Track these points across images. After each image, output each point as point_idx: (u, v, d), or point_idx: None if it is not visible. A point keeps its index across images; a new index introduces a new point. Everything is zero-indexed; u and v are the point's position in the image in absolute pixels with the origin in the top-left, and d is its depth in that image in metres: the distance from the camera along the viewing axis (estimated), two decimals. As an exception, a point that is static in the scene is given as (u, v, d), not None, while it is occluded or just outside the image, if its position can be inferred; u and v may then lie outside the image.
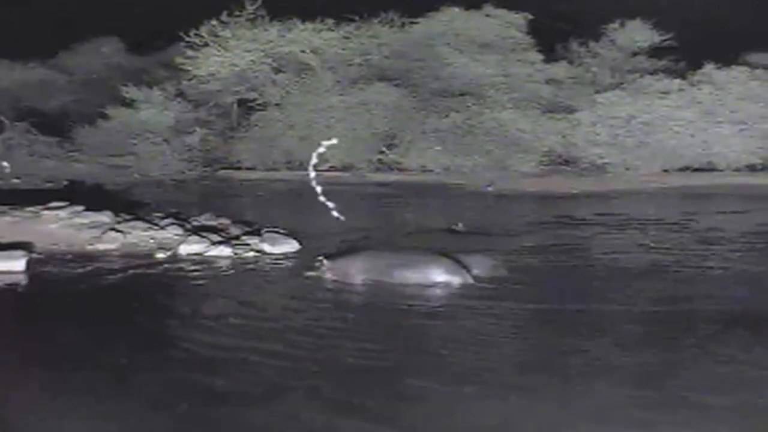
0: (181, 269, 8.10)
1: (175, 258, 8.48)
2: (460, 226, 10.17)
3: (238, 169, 15.51)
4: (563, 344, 5.89)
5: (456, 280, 7.39)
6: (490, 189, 13.96)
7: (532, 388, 5.01)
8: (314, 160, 10.83)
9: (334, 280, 7.50)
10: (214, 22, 15.61)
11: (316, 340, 5.87)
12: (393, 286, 7.33)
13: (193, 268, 8.16)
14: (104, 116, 15.71)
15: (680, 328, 6.24)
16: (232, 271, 8.07)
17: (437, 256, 7.67)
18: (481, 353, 5.64)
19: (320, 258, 7.75)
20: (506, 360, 5.58)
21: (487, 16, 16.66)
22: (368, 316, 6.69)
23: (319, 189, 10.34)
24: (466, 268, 7.50)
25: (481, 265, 7.73)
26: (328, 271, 7.62)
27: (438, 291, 7.32)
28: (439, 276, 7.41)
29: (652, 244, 9.68)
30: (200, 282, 7.67)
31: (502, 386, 5.05)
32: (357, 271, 7.55)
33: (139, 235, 8.98)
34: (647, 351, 5.70)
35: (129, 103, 15.78)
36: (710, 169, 15.22)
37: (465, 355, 5.62)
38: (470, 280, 7.38)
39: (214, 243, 8.82)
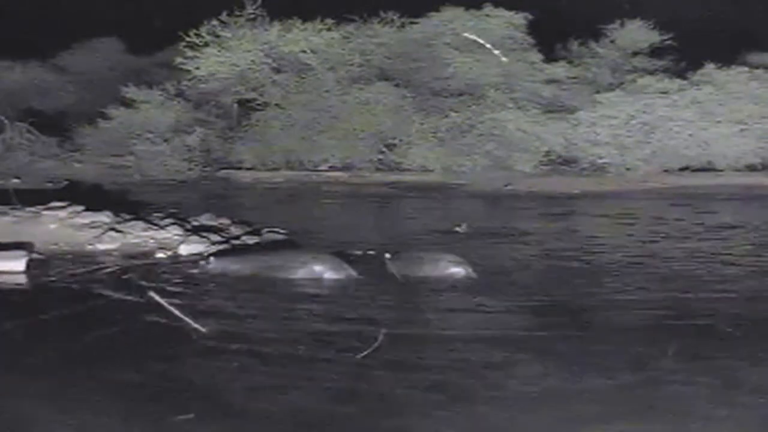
0: (181, 269, 8.10)
1: (175, 258, 8.48)
2: (462, 228, 10.12)
3: (238, 169, 15.50)
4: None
5: (339, 277, 7.60)
6: (508, 188, 14.04)
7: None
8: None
9: (221, 278, 7.61)
10: (214, 22, 15.59)
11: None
12: (276, 283, 7.43)
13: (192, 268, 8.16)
14: (104, 116, 15.70)
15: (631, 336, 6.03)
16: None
17: (324, 254, 7.93)
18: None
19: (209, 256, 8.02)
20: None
21: (487, 16, 16.63)
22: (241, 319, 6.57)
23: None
24: (351, 266, 7.72)
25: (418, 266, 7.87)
26: (216, 266, 7.79)
27: (319, 289, 7.39)
28: (323, 274, 7.62)
29: (638, 244, 9.69)
30: (201, 283, 7.68)
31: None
32: (243, 269, 7.74)
33: (139, 235, 8.98)
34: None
35: (129, 103, 15.77)
36: (710, 169, 15.21)
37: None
38: (354, 276, 7.58)
39: (214, 243, 8.82)
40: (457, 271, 7.74)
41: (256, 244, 8.96)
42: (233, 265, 7.86)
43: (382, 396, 4.88)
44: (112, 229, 9.00)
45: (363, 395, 4.90)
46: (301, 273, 7.67)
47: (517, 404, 4.74)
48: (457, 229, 10.06)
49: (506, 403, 4.75)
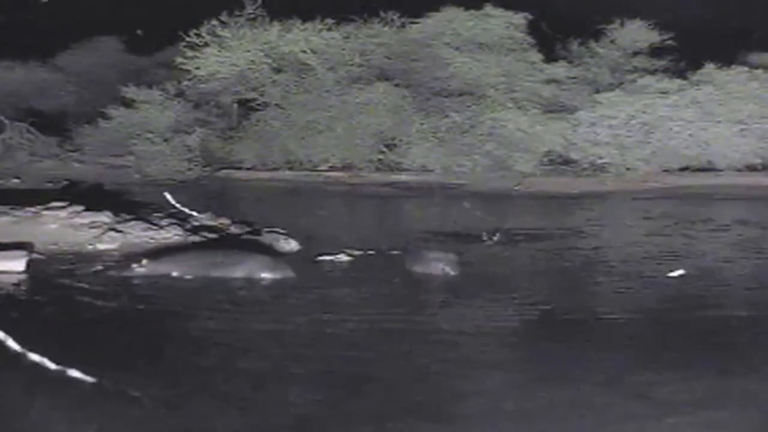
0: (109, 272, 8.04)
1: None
2: (496, 237, 9.70)
3: (238, 169, 15.51)
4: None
5: (276, 276, 7.59)
6: (518, 188, 14.03)
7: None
8: None
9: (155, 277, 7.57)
10: (214, 22, 15.58)
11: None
12: (212, 282, 7.40)
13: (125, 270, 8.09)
14: (104, 116, 15.69)
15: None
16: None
17: (258, 253, 7.96)
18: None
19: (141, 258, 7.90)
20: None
21: (487, 16, 16.62)
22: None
23: None
24: (289, 264, 7.78)
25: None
26: (150, 268, 7.72)
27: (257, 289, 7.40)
28: (260, 272, 7.61)
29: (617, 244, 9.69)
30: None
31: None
32: (177, 268, 7.69)
33: (139, 235, 8.98)
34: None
35: (129, 103, 15.76)
36: (710, 169, 15.22)
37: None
38: (291, 275, 7.58)
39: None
40: (441, 268, 7.79)
41: (198, 243, 8.91)
42: (165, 267, 7.75)
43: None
44: (112, 229, 9.00)
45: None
46: (237, 273, 7.60)
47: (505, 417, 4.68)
48: (495, 238, 9.64)
49: (491, 417, 4.70)
